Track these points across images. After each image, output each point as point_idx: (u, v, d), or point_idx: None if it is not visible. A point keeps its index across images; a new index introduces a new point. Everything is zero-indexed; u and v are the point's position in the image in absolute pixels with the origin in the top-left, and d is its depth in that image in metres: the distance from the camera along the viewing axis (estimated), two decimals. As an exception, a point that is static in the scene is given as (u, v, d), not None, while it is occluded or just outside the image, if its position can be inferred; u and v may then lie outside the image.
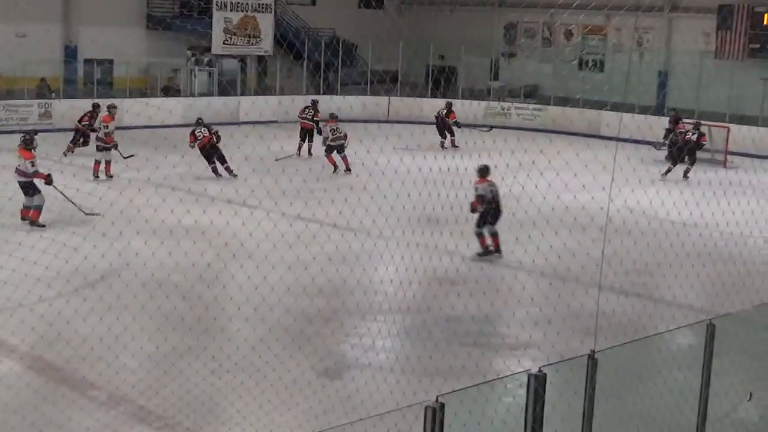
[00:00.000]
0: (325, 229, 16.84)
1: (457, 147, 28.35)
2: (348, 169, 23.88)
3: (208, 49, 31.91)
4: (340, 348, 11.73)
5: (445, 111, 30.00)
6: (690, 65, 31.00)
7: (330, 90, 33.23)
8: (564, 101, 31.78)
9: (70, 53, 31.29)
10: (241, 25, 31.78)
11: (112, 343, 10.93)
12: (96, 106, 24.32)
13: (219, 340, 11.57)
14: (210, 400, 9.83)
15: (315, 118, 25.63)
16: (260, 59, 33.35)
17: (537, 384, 5.06)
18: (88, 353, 10.55)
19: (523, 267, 14.92)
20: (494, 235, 16.22)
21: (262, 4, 32.33)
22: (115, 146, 21.44)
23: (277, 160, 22.46)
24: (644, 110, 30.68)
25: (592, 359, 5.54)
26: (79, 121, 24.61)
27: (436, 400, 4.58)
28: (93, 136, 23.02)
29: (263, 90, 33.21)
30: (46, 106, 28.61)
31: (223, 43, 31.65)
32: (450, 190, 16.05)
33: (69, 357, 10.53)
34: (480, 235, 16.48)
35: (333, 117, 24.47)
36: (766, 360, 8.01)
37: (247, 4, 31.84)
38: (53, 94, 29.41)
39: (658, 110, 31.08)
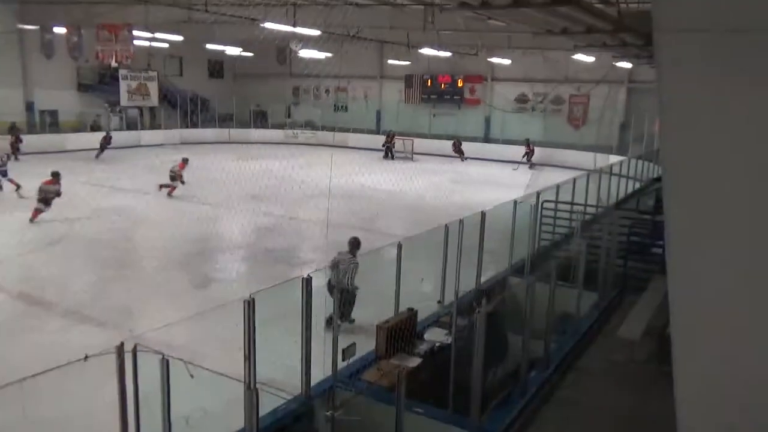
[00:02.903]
0: (191, 207, 16.01)
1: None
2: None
3: (118, 103, 30.28)
4: (207, 270, 11.00)
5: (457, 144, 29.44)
6: (393, 107, 33.02)
7: (194, 125, 32.74)
8: (328, 128, 33.38)
9: (30, 106, 29.21)
10: (137, 89, 30.97)
11: (65, 278, 9.95)
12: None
13: (131, 272, 10.64)
14: (132, 306, 9.03)
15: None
16: (151, 108, 32.02)
17: (306, 285, 5.03)
18: (51, 284, 9.63)
19: (306, 220, 14.89)
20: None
21: (150, 75, 31.54)
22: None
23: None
24: (369, 131, 32.23)
25: (335, 265, 5.59)
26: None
27: (250, 297, 4.47)
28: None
29: (154, 126, 31.95)
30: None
31: (128, 99, 30.40)
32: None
33: (38, 288, 9.51)
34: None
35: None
36: (431, 259, 8.03)
37: (140, 76, 30.83)
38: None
39: (377, 131, 32.79)
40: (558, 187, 11.95)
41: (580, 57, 22.02)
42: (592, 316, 8.14)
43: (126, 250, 12.28)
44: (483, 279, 8.76)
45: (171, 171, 18.22)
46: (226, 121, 35.03)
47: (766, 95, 1.54)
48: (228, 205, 16.12)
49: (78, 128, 30.53)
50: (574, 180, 12.71)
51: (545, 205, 11.21)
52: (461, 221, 7.73)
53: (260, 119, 36.21)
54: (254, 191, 17.98)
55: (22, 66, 28.79)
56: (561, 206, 11.65)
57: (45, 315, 8.76)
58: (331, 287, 7.36)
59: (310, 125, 36.54)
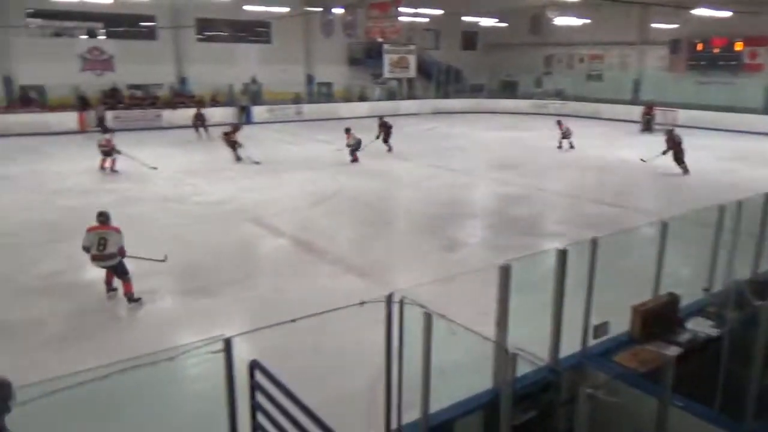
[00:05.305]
0: (441, 173, 16.63)
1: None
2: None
3: (381, 75, 32.93)
4: (454, 234, 11.48)
5: None
6: (653, 75, 30.00)
7: (446, 96, 34.28)
8: (580, 99, 32.01)
9: (310, 79, 33.26)
10: (398, 62, 33.05)
11: (334, 231, 11.29)
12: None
13: (387, 230, 11.59)
14: (387, 261, 9.76)
15: None
16: (409, 79, 34.14)
17: (562, 256, 5.03)
18: (323, 235, 10.91)
19: (553, 192, 14.59)
20: None
21: (410, 49, 34.15)
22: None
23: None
24: (624, 102, 29.98)
25: (594, 243, 5.44)
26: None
27: (506, 263, 4.63)
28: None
29: (411, 96, 34.19)
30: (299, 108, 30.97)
31: (389, 72, 32.86)
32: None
33: (314, 237, 10.79)
34: None
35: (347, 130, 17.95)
36: (701, 243, 7.63)
37: (401, 49, 33.70)
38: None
39: (633, 102, 30.13)
40: None
41: None
42: None
43: (382, 210, 13.12)
44: (762, 270, 7.80)
45: (563, 135, 20.08)
46: (476, 91, 36.10)
47: None
48: (476, 173, 16.52)
49: (347, 98, 33.52)
50: None
51: None
52: (740, 203, 6.94)
53: (509, 89, 36.80)
54: (503, 160, 18.01)
55: (305, 45, 32.20)
56: None
57: (318, 261, 9.57)
58: None
59: (560, 95, 35.37)
